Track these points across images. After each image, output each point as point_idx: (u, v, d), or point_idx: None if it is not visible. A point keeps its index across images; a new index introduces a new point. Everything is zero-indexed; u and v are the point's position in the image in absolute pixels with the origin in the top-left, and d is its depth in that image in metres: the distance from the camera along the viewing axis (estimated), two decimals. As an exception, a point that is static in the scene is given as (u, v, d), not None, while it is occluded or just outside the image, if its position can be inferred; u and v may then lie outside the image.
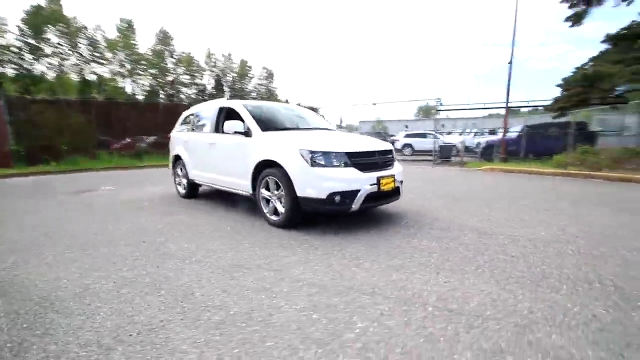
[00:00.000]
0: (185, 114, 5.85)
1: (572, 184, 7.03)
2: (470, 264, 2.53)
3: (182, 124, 5.82)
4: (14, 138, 10.88)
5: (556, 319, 1.77)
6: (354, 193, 3.26)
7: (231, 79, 56.94)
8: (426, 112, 65.71)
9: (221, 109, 4.69)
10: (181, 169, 5.51)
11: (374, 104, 14.77)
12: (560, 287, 2.14)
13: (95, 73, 43.36)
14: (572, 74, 11.20)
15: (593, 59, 10.79)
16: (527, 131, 12.53)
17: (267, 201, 3.72)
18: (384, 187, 3.48)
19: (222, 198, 5.36)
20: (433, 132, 15.80)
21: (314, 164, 3.27)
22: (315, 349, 1.54)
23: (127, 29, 45.21)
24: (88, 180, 8.21)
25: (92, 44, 41.88)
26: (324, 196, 3.19)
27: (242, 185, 4.03)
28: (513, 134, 13.30)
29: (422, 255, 2.73)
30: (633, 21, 10.14)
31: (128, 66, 45.79)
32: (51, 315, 1.85)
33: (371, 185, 3.36)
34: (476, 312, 1.84)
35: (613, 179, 7.26)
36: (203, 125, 5.06)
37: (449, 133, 23.80)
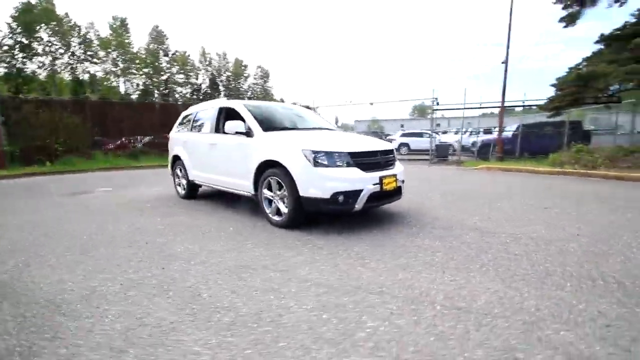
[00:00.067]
0: (184, 114, 5.82)
1: (568, 182, 7.12)
2: (475, 263, 2.55)
3: (180, 124, 5.79)
4: (7, 139, 10.74)
5: (563, 316, 1.79)
6: (357, 193, 3.27)
7: (226, 78, 56.66)
8: (421, 111, 66.05)
9: (221, 109, 4.68)
10: (180, 170, 5.48)
11: (371, 104, 14.76)
12: (565, 285, 2.17)
13: (88, 72, 42.90)
14: (566, 73, 11.34)
15: (587, 59, 10.94)
16: (523, 130, 12.66)
17: (270, 201, 3.72)
18: (387, 187, 3.50)
19: (222, 199, 5.34)
20: (429, 132, 15.89)
21: (316, 164, 3.28)
22: (327, 348, 1.55)
23: (120, 27, 44.74)
24: (84, 181, 8.13)
25: (85, 42, 41.36)
26: (327, 196, 3.20)
27: (244, 185, 4.02)
28: (508, 133, 13.43)
29: (426, 254, 2.75)
30: (626, 22, 10.31)
31: (121, 65, 45.33)
32: (59, 318, 1.83)
33: (374, 185, 3.37)
34: (484, 310, 1.86)
35: (609, 177, 7.37)
36: (203, 126, 5.04)
37: (445, 132, 23.96)
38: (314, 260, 2.64)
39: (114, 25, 44.70)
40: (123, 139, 14.31)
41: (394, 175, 3.65)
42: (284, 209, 3.53)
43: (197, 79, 53.20)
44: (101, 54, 43.52)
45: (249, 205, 4.71)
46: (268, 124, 4.07)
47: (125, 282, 2.28)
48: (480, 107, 14.98)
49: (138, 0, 77.53)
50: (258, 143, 3.82)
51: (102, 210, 4.69)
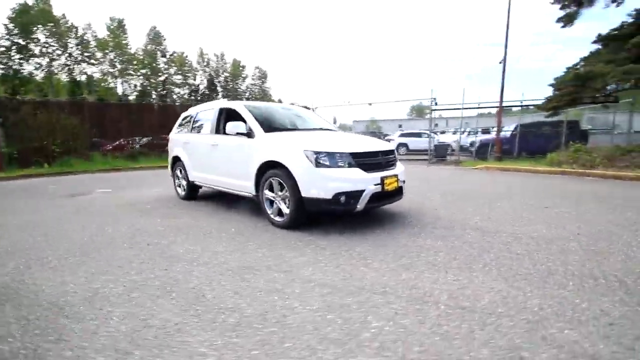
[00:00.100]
0: (183, 115, 5.82)
1: (567, 181, 7.16)
2: (477, 262, 2.56)
3: (180, 125, 5.78)
4: (5, 140, 10.69)
5: (566, 315, 1.80)
6: (359, 193, 3.27)
7: (224, 79, 56.61)
8: (419, 111, 66.23)
9: (222, 110, 4.67)
10: (181, 171, 5.47)
11: (370, 104, 14.78)
12: (567, 284, 2.18)
13: (85, 73, 42.76)
14: (564, 73, 11.38)
15: (584, 59, 11.00)
16: (521, 130, 12.72)
17: (271, 202, 3.72)
18: (388, 187, 3.50)
19: (223, 199, 5.34)
20: (428, 132, 15.94)
21: (318, 164, 3.28)
22: (333, 349, 1.55)
23: (117, 28, 44.64)
24: (83, 183, 8.10)
25: (82, 43, 41.23)
26: (329, 196, 3.20)
27: (245, 186, 4.02)
28: (507, 133, 13.48)
29: (428, 254, 2.76)
30: (624, 22, 10.37)
31: (119, 66, 45.21)
32: (62, 320, 1.83)
33: (375, 185, 3.38)
34: (488, 310, 1.87)
35: (607, 177, 7.41)
36: (203, 127, 5.03)
37: (443, 132, 24.03)
38: (316, 261, 2.64)
39: (112, 26, 44.60)
40: (121, 140, 14.28)
41: (395, 176, 3.66)
42: (285, 210, 3.53)
43: (195, 79, 53.20)
44: (98, 55, 43.42)
45: (249, 205, 4.71)
46: (269, 125, 4.07)
47: (128, 284, 2.28)
48: (478, 107, 14.99)
49: (136, 1, 77.40)
50: (259, 144, 3.82)
51: (102, 211, 4.68)
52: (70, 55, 40.72)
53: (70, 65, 41.00)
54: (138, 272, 2.48)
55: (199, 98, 45.73)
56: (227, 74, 57.00)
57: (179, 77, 51.29)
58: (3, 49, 34.60)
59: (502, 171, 9.59)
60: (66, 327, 1.76)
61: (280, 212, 3.62)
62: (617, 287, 2.12)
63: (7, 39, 35.10)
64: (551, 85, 12.01)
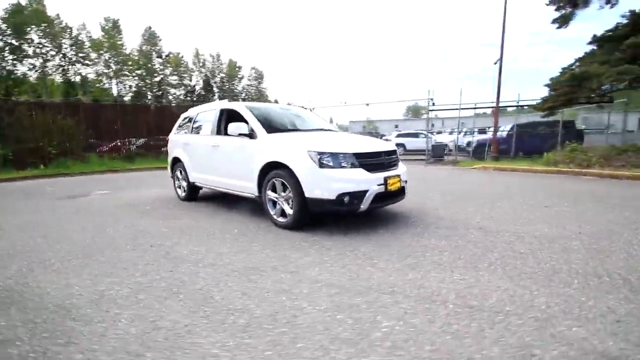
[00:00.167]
0: (183, 116, 5.79)
1: (564, 181, 7.23)
2: (482, 262, 2.58)
3: (180, 126, 5.76)
4: (0, 142, 10.56)
5: (574, 313, 1.82)
6: (363, 193, 3.28)
7: (220, 79, 56.45)
8: (415, 112, 66.53)
9: (222, 111, 4.66)
10: (181, 172, 5.44)
11: (367, 105, 14.83)
12: (572, 282, 2.20)
13: (79, 74, 42.42)
14: (559, 74, 11.51)
15: (580, 60, 11.12)
16: (517, 130, 12.83)
17: (274, 203, 3.71)
18: (391, 187, 3.51)
19: (223, 200, 5.32)
20: (425, 132, 16.01)
21: (322, 165, 3.29)
22: (346, 349, 1.55)
23: (112, 29, 44.34)
24: (80, 184, 8.03)
25: (77, 44, 40.89)
26: (333, 197, 3.21)
27: (247, 187, 4.01)
28: (503, 133, 13.59)
29: (433, 253, 2.78)
30: (618, 23, 10.51)
31: (114, 67, 44.90)
32: (70, 323, 1.81)
33: (379, 185, 3.39)
34: (496, 308, 1.88)
35: (603, 176, 7.50)
36: (204, 128, 5.01)
37: (439, 132, 24.15)
38: (322, 261, 2.64)
39: (106, 27, 44.29)
40: (117, 141, 14.17)
41: (398, 176, 3.68)
42: (288, 210, 3.53)
43: (190, 80, 52.97)
44: (93, 55, 43.09)
45: (250, 206, 4.70)
46: (269, 126, 4.06)
47: (134, 286, 2.26)
48: (475, 108, 15.10)
49: (130, 2, 76.91)
50: (262, 145, 3.82)
51: (102, 213, 4.64)
52: (64, 56, 40.39)
53: (64, 66, 40.67)
54: (143, 274, 2.46)
55: (195, 99, 45.54)
56: (223, 75, 56.88)
57: (175, 77, 51.07)
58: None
59: (499, 171, 9.66)
60: (74, 329, 1.75)
61: (283, 213, 3.62)
62: (621, 285, 2.14)
63: (0, 40, 34.70)
64: (547, 85, 12.15)
